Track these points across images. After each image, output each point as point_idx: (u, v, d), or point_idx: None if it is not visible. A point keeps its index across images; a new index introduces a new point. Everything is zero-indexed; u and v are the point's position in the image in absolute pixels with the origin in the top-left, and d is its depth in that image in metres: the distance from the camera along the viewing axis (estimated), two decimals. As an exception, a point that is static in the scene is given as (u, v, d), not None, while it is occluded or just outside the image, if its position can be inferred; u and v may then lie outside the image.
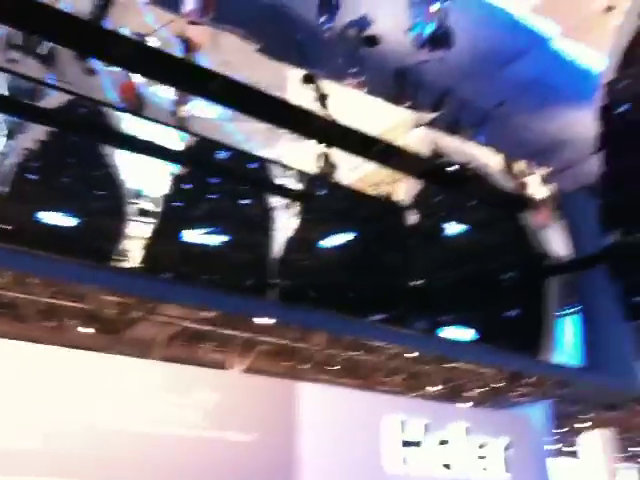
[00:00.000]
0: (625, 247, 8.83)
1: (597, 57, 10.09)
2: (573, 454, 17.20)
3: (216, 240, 9.68)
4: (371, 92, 10.29)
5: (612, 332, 11.16)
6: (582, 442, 16.43)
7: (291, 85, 9.45)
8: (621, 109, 9.39)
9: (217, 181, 10.05)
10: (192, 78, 8.08)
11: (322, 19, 8.97)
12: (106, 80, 8.67)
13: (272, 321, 10.19)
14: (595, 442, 16.11)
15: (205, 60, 8.78)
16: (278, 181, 9.86)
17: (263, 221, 9.96)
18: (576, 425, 16.09)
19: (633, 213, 8.73)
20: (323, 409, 10.03)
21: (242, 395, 9.47)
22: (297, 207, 9.97)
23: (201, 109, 9.26)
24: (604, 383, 12.40)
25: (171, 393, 8.88)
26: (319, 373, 12.11)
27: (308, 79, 9.27)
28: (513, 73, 10.72)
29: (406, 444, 10.60)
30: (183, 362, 10.12)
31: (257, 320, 10.29)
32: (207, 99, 8.66)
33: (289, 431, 9.60)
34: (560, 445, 17.07)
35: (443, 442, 10.97)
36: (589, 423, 15.95)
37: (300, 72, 9.37)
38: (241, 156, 9.68)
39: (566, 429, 16.25)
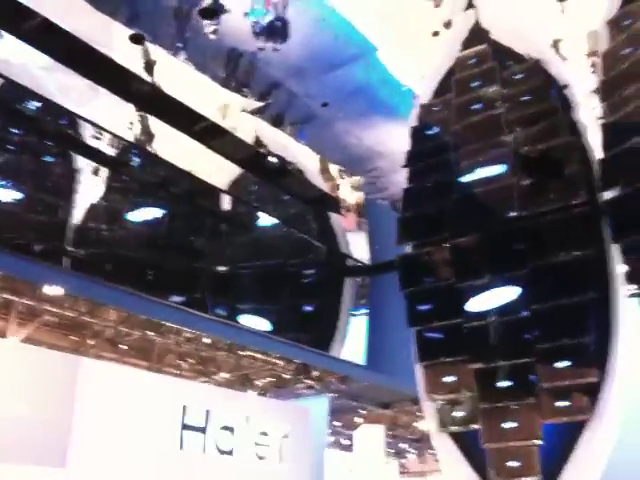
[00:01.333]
0: (414, 259, 9.55)
1: (418, 78, 10.79)
2: (349, 447, 18.21)
3: (8, 196, 8.81)
4: (201, 69, 10.08)
5: (395, 335, 11.97)
6: (357, 436, 17.47)
7: (118, 44, 8.92)
8: (430, 132, 10.02)
9: (20, 132, 9.14)
10: (6, 14, 7.29)
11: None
12: None
13: (60, 290, 9.52)
14: (368, 437, 17.20)
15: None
16: (89, 143, 9.21)
17: (65, 183, 9.24)
18: (352, 420, 17.07)
19: (424, 230, 9.45)
20: (105, 388, 9.59)
21: (17, 367, 8.72)
22: (106, 173, 9.40)
23: (13, 51, 8.37)
24: (382, 382, 13.32)
25: None
26: (107, 350, 11.57)
27: (137, 39, 8.81)
28: (341, 78, 11.15)
29: (187, 428, 10.49)
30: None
31: (44, 288, 9.56)
32: (22, 40, 7.85)
33: (66, 408, 9.04)
34: (337, 438, 18.00)
35: (224, 428, 11.03)
36: (363, 419, 17.01)
37: (129, 32, 8.88)
38: (52, 109, 8.89)
39: (343, 423, 17.20)
